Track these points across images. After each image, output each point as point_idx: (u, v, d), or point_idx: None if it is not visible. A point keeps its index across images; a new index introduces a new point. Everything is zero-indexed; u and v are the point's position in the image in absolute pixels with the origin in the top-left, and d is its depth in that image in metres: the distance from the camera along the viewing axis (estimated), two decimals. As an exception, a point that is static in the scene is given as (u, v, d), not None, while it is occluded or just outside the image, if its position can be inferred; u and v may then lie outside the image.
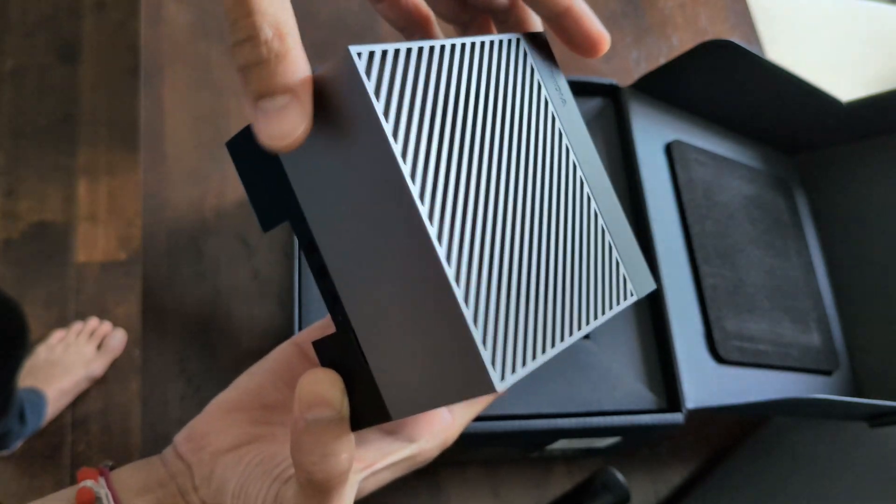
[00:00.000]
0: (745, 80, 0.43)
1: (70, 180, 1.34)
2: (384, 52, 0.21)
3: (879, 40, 0.85)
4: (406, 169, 0.19)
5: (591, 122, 0.44)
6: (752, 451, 0.50)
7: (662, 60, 0.67)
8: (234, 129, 0.57)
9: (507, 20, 0.27)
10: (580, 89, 0.44)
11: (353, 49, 0.20)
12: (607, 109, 0.45)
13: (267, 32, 0.17)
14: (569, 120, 0.25)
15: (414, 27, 0.27)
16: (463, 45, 0.23)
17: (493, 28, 0.27)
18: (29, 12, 1.45)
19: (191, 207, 0.54)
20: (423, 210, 0.19)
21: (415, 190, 0.19)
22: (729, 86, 0.44)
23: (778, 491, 0.46)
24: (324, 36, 0.62)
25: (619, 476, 0.47)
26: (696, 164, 0.45)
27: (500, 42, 0.24)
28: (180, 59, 0.58)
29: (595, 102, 0.44)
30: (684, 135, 0.46)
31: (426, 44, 0.22)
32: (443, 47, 0.23)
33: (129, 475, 0.23)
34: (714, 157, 0.46)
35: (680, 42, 0.68)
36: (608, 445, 0.43)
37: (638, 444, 0.52)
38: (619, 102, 0.44)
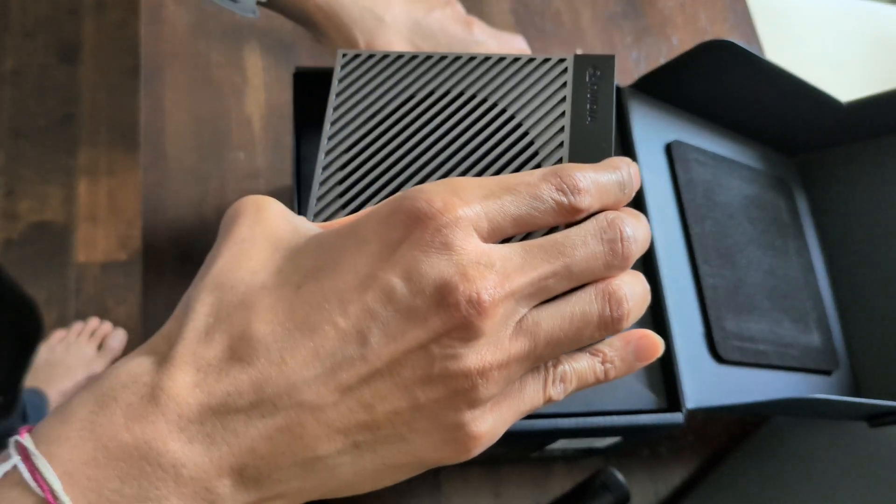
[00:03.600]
0: (745, 80, 0.43)
1: (70, 180, 1.34)
2: (369, 56, 0.28)
3: (880, 41, 0.85)
4: (324, 147, 0.27)
5: (591, 122, 0.44)
6: (752, 451, 0.50)
7: (662, 60, 0.67)
8: (235, 129, 0.57)
9: None
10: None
11: (341, 51, 0.28)
12: (607, 109, 0.45)
13: None
14: (582, 136, 0.26)
15: None
16: (457, 58, 0.28)
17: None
18: (29, 12, 1.45)
19: (191, 207, 0.54)
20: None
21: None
22: (729, 86, 0.44)
23: (778, 491, 0.46)
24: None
25: (619, 476, 0.47)
26: (697, 164, 0.45)
27: (533, 60, 0.27)
28: (180, 60, 0.58)
29: (595, 102, 0.44)
30: (684, 135, 0.46)
31: (417, 54, 0.28)
32: (429, 57, 0.28)
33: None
34: (714, 157, 0.46)
35: (680, 42, 0.68)
36: (608, 445, 0.44)
37: (638, 444, 0.52)
38: (619, 102, 0.44)
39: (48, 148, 1.35)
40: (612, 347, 0.23)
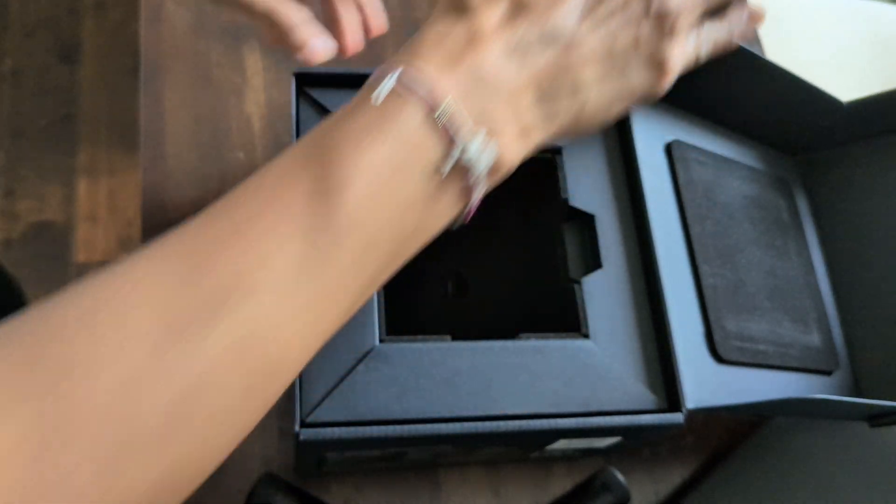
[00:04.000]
0: (745, 80, 0.43)
1: (70, 180, 1.34)
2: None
3: (881, 40, 0.85)
4: None
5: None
6: (753, 451, 0.50)
7: (662, 60, 0.67)
8: (234, 128, 0.57)
9: None
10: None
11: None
12: (607, 109, 0.45)
13: None
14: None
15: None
16: None
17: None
18: (28, 12, 1.45)
19: (191, 207, 0.54)
20: None
21: None
22: (729, 86, 0.44)
23: (778, 491, 0.46)
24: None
25: (619, 476, 0.47)
26: (697, 164, 0.45)
27: None
28: (180, 59, 0.58)
29: (595, 102, 0.44)
30: (684, 135, 0.46)
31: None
32: None
33: None
34: (714, 157, 0.46)
35: (680, 42, 0.68)
36: (608, 445, 0.44)
37: (638, 445, 0.52)
38: (620, 102, 0.44)
39: (48, 148, 1.35)
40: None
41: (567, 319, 0.40)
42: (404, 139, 0.24)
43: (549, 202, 0.44)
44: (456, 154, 0.24)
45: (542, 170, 0.45)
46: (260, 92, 0.58)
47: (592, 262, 0.41)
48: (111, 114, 1.39)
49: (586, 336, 0.38)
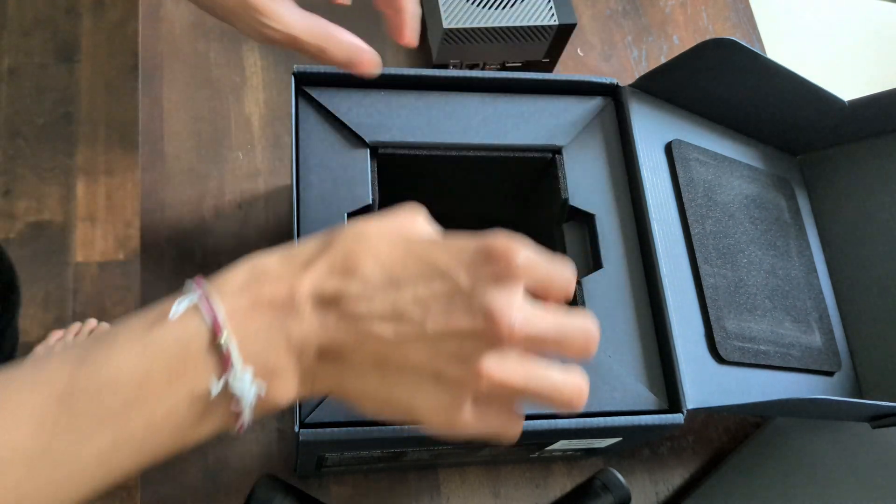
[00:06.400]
0: (746, 79, 0.43)
1: (68, 180, 1.33)
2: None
3: (882, 39, 0.85)
4: None
5: (591, 122, 0.44)
6: (753, 452, 0.50)
7: (663, 59, 0.67)
8: (234, 129, 0.57)
9: None
10: (580, 89, 0.44)
11: None
12: (607, 108, 0.44)
13: None
14: None
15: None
16: None
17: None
18: (27, 11, 1.45)
19: (189, 207, 0.53)
20: None
21: None
22: (730, 85, 0.44)
23: (779, 491, 0.46)
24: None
25: (620, 476, 0.47)
26: (697, 163, 0.45)
27: None
28: (179, 59, 0.58)
29: (595, 102, 0.44)
30: (685, 134, 0.46)
31: None
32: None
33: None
34: (715, 156, 0.46)
35: (681, 41, 0.68)
36: (608, 446, 0.43)
37: (638, 445, 0.52)
38: (620, 101, 0.44)
39: (46, 147, 1.35)
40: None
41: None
42: (182, 355, 0.25)
43: (549, 202, 0.44)
44: (221, 384, 0.25)
45: (542, 169, 0.44)
46: (259, 91, 0.58)
47: (593, 262, 0.41)
48: (110, 113, 1.39)
49: None
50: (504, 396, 0.28)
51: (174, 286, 0.51)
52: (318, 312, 0.27)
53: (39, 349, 1.15)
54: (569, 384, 0.29)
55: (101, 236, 1.30)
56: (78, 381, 0.24)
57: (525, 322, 0.27)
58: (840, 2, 0.86)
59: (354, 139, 0.40)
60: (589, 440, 0.40)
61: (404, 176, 0.42)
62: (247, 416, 0.26)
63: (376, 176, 0.40)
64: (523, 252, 0.28)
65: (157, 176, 0.54)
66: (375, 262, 0.27)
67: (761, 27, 0.71)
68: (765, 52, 0.69)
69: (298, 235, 0.38)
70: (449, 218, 0.51)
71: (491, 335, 0.26)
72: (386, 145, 0.41)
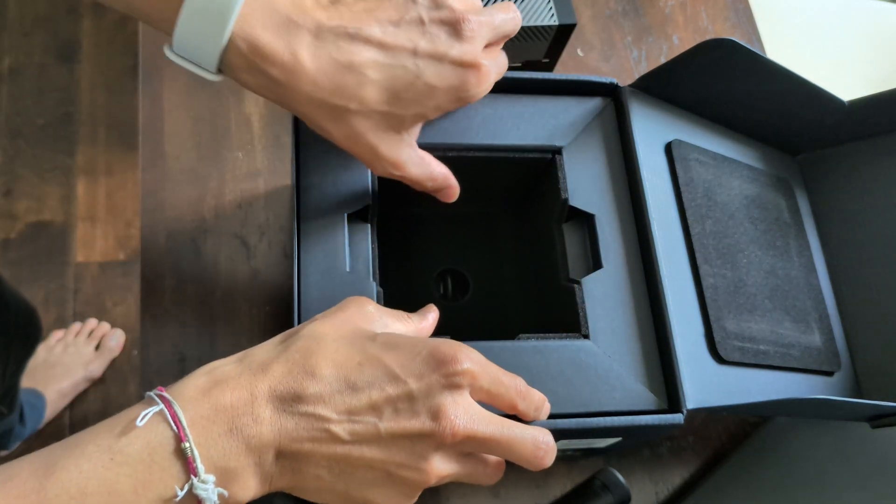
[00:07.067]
0: (746, 79, 0.43)
1: (68, 180, 1.33)
2: None
3: (882, 39, 0.85)
4: None
5: (591, 123, 0.44)
6: (753, 452, 0.50)
7: (663, 59, 0.67)
8: (234, 129, 0.57)
9: None
10: (580, 89, 0.44)
11: None
12: (607, 109, 0.44)
13: None
14: None
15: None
16: None
17: None
18: (27, 11, 1.45)
19: (190, 207, 0.53)
20: None
21: None
22: (730, 85, 0.44)
23: (779, 491, 0.46)
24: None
25: (619, 476, 0.47)
26: (697, 163, 0.45)
27: None
28: (179, 59, 0.58)
29: (595, 102, 0.44)
30: (685, 134, 0.46)
31: None
32: None
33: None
34: (715, 156, 0.46)
35: (680, 41, 0.68)
36: (608, 446, 0.43)
37: (638, 445, 0.52)
38: (620, 102, 0.44)
39: (46, 147, 1.35)
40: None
41: (567, 319, 0.40)
42: (148, 461, 0.27)
43: (548, 202, 0.44)
44: (186, 488, 0.27)
45: (541, 170, 0.45)
46: (259, 91, 0.58)
47: (593, 261, 0.41)
48: (110, 113, 1.39)
49: (586, 336, 0.38)
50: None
51: (174, 286, 0.51)
52: (277, 414, 0.28)
53: (40, 350, 1.15)
54: (498, 471, 0.33)
55: (101, 236, 1.30)
56: (48, 492, 0.25)
57: (468, 423, 0.29)
58: (840, 2, 0.86)
59: None
60: (589, 440, 0.40)
61: None
62: None
63: (377, 176, 0.40)
64: (469, 359, 0.30)
65: (157, 176, 0.54)
66: (333, 365, 0.29)
67: (761, 27, 0.71)
68: (765, 52, 0.69)
69: (298, 235, 0.38)
70: (448, 218, 0.51)
71: (437, 435, 0.29)
72: None
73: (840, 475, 0.44)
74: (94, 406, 1.17)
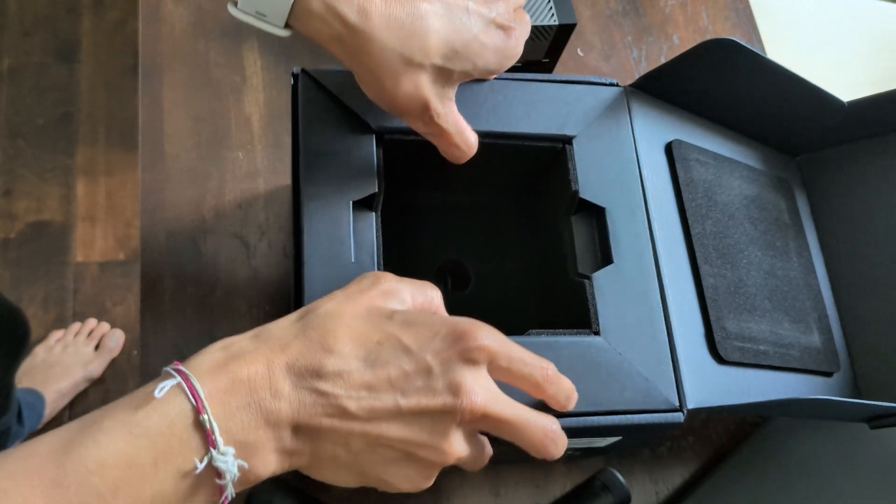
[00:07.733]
0: (746, 79, 0.43)
1: (68, 180, 1.33)
2: None
3: (882, 39, 0.85)
4: None
5: (604, 112, 0.44)
6: (753, 452, 0.50)
7: (663, 59, 0.67)
8: (234, 128, 0.57)
9: None
10: (580, 89, 0.44)
11: None
12: (619, 99, 0.44)
13: None
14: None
15: None
16: None
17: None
18: (27, 11, 1.45)
19: (189, 207, 0.53)
20: None
21: None
22: (730, 85, 0.44)
23: (778, 491, 0.46)
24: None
25: (619, 476, 0.47)
26: (697, 163, 0.45)
27: None
28: (179, 59, 0.58)
29: (608, 91, 0.44)
30: (685, 134, 0.46)
31: None
32: None
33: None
34: (715, 156, 0.46)
35: (681, 41, 0.68)
36: (608, 445, 0.43)
37: (638, 444, 0.52)
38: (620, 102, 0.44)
39: (46, 147, 1.35)
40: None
41: (575, 315, 0.40)
42: (167, 434, 0.26)
43: (557, 192, 0.43)
44: (206, 461, 0.27)
45: (550, 159, 0.44)
46: (259, 91, 0.58)
47: (602, 256, 0.41)
48: (110, 113, 1.39)
49: (597, 333, 0.38)
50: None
51: (174, 286, 0.51)
52: (296, 390, 0.28)
53: (39, 350, 1.15)
54: (487, 459, 0.32)
55: (101, 236, 1.30)
56: (67, 467, 0.25)
57: (487, 399, 0.29)
58: (840, 2, 0.86)
59: (360, 125, 0.39)
60: (589, 440, 0.40)
61: (411, 164, 0.42)
62: (230, 490, 0.27)
63: (382, 163, 0.39)
64: (487, 336, 0.30)
65: (157, 176, 0.54)
66: (351, 342, 0.29)
67: (761, 27, 0.71)
68: (765, 52, 0.69)
69: (300, 223, 0.37)
70: (456, 206, 0.51)
71: (458, 411, 0.28)
72: (392, 131, 0.39)
73: (840, 475, 0.44)
74: (93, 406, 1.17)
